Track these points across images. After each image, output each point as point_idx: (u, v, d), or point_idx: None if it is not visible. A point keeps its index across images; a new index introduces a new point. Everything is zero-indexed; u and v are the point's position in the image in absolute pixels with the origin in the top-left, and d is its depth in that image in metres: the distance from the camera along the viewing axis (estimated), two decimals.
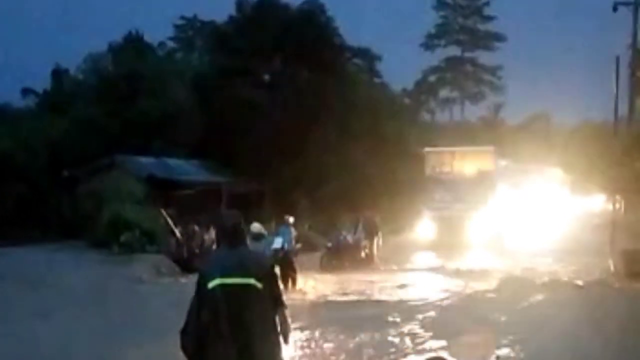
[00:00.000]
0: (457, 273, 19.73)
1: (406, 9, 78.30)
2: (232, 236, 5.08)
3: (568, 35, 78.14)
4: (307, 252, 20.51)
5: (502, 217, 26.99)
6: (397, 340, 10.90)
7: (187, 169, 31.04)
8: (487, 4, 68.44)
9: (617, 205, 22.35)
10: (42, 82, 41.62)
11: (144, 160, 29.70)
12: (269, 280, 5.01)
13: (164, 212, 23.43)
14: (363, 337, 11.02)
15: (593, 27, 60.75)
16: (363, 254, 22.34)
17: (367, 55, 45.86)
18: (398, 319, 12.52)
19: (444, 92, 70.32)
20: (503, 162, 30.95)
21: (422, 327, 11.90)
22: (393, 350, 10.28)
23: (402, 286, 17.39)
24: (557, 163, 38.61)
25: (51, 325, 12.13)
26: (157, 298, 15.86)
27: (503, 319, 12.50)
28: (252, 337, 4.78)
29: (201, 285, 4.88)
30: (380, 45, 60.08)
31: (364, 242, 22.57)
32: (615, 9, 27.33)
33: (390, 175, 31.14)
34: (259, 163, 29.67)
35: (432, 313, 13.44)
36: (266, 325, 4.88)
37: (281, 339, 4.98)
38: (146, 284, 18.65)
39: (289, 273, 16.65)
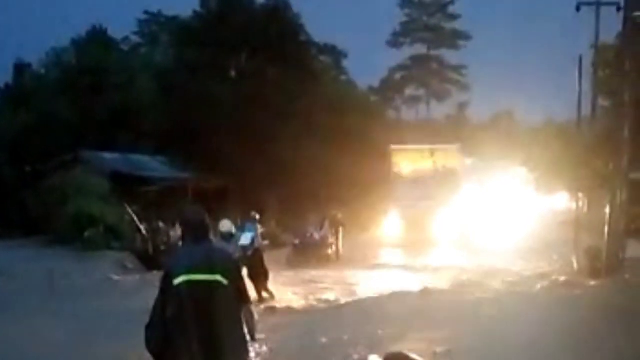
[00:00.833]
0: (419, 270, 19.87)
1: (372, 6, 78.68)
2: (198, 232, 5.04)
3: (532, 35, 78.97)
4: (273, 249, 20.45)
5: (468, 214, 27.20)
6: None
7: (152, 165, 30.80)
8: (451, 2, 68.69)
9: (581, 204, 22.61)
10: (4, 76, 40.96)
11: (109, 156, 29.41)
12: (235, 276, 5.00)
13: (129, 209, 23.19)
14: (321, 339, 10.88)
15: (557, 27, 61.46)
16: (329, 251, 22.39)
17: (334, 52, 45.91)
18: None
19: (410, 90, 70.59)
20: (468, 160, 31.22)
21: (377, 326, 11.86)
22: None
23: (355, 284, 17.38)
24: (521, 161, 38.85)
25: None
26: (121, 295, 15.67)
27: (448, 316, 12.40)
28: (218, 334, 4.74)
29: (167, 281, 4.82)
30: (347, 43, 60.07)
31: (331, 240, 22.62)
32: (578, 9, 27.75)
33: (357, 172, 31.16)
34: (224, 159, 29.48)
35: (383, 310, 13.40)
36: (232, 321, 4.86)
37: (247, 336, 4.98)
38: (110, 280, 18.43)
39: (261, 272, 14.94)
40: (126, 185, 25.53)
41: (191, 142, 30.45)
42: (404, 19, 69.75)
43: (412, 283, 16.94)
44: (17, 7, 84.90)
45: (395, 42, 69.82)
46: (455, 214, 26.63)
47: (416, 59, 69.78)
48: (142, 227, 22.52)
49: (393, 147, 29.77)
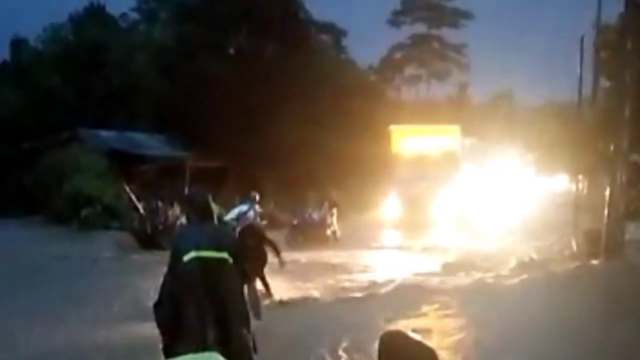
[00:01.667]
0: (418, 251, 19.83)
1: None
2: (203, 212, 5.22)
3: (534, 15, 78.47)
4: (272, 229, 20.33)
5: (467, 195, 27.12)
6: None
7: (150, 144, 30.66)
8: None
9: (580, 186, 22.53)
10: (0, 52, 40.71)
11: (106, 133, 29.27)
12: (240, 256, 5.11)
13: (126, 187, 23.01)
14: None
15: (559, 7, 61.03)
16: (328, 232, 22.32)
17: (333, 31, 45.52)
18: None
19: (409, 70, 70.11)
20: (468, 141, 31.05)
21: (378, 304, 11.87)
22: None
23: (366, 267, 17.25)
24: (521, 143, 38.92)
25: None
26: (118, 275, 15.50)
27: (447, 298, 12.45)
28: (227, 310, 4.80)
29: (176, 258, 4.91)
30: (346, 21, 59.75)
31: (329, 220, 22.54)
32: None
33: (356, 152, 31.04)
34: (223, 139, 29.34)
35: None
36: (239, 298, 4.97)
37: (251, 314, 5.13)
38: (107, 260, 18.29)
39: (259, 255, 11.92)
40: (124, 164, 25.39)
41: (190, 121, 30.29)
42: None
43: (411, 265, 16.86)
44: None
45: (395, 20, 69.26)
46: (454, 195, 26.54)
47: (416, 38, 69.26)
48: (139, 206, 22.32)
49: (392, 127, 29.61)
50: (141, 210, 22.30)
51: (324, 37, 44.92)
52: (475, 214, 26.23)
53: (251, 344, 4.92)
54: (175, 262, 4.91)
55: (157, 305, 4.96)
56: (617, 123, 16.19)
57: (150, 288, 5.07)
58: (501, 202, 29.14)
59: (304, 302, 12.25)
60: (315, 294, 13.09)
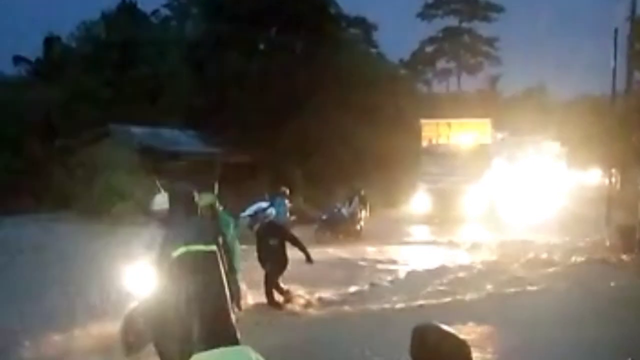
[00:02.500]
0: (450, 246, 19.64)
1: None
2: (189, 207, 5.39)
3: (566, 8, 77.55)
4: (301, 224, 20.34)
5: (498, 190, 26.87)
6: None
7: (180, 139, 30.82)
8: None
9: (613, 180, 22.26)
10: (34, 50, 41.23)
11: (138, 130, 29.46)
12: (218, 247, 5.20)
13: (158, 183, 23.10)
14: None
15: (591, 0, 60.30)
16: (358, 227, 22.22)
17: (364, 25, 45.48)
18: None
19: (440, 63, 69.95)
20: (499, 135, 30.76)
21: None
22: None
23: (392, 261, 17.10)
24: (553, 136, 38.41)
25: None
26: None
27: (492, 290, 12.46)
28: (216, 299, 4.84)
29: (165, 253, 4.96)
30: (377, 15, 59.57)
31: (359, 215, 22.44)
32: None
33: (386, 147, 30.94)
34: (253, 134, 29.41)
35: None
36: (225, 288, 4.97)
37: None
38: (135, 258, 18.27)
39: (281, 259, 11.21)
40: (155, 160, 25.54)
41: (220, 116, 30.40)
42: None
43: (448, 260, 16.73)
44: None
45: (426, 14, 69.04)
46: (485, 190, 26.32)
47: (448, 32, 68.95)
48: None
49: (423, 121, 29.44)
50: None
51: (354, 31, 44.86)
52: (506, 208, 25.96)
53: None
54: (164, 257, 4.94)
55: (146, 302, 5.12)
56: None
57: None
58: (533, 197, 28.83)
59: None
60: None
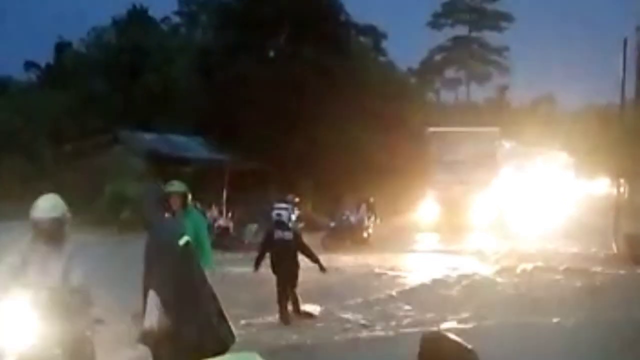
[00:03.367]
0: (458, 255, 19.57)
1: None
2: (162, 206, 6.11)
3: (575, 17, 77.56)
4: (309, 232, 20.38)
5: (506, 199, 26.87)
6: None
7: (189, 146, 30.92)
8: None
9: (621, 189, 22.20)
10: (45, 56, 41.49)
11: (147, 136, 29.59)
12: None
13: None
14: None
15: (601, 10, 60.34)
16: (365, 234, 22.25)
17: (373, 33, 45.47)
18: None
19: (449, 72, 69.89)
20: (507, 144, 30.78)
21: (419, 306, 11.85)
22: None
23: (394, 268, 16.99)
24: (561, 146, 38.44)
25: None
26: None
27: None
28: (198, 288, 5.14)
29: (169, 246, 5.16)
30: (387, 24, 59.66)
31: (367, 223, 22.48)
32: None
33: (394, 155, 30.97)
34: (262, 141, 29.48)
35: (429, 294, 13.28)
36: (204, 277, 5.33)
37: None
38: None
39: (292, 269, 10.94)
40: (164, 166, 25.61)
41: (229, 123, 30.48)
42: None
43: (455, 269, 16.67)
44: None
45: (436, 23, 69.04)
46: (493, 199, 26.33)
47: (457, 41, 68.93)
48: None
49: (431, 129, 29.48)
50: None
51: (364, 40, 44.91)
52: (513, 217, 25.96)
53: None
54: (168, 250, 5.15)
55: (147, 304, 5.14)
56: None
57: None
58: (541, 206, 28.80)
59: None
60: None
